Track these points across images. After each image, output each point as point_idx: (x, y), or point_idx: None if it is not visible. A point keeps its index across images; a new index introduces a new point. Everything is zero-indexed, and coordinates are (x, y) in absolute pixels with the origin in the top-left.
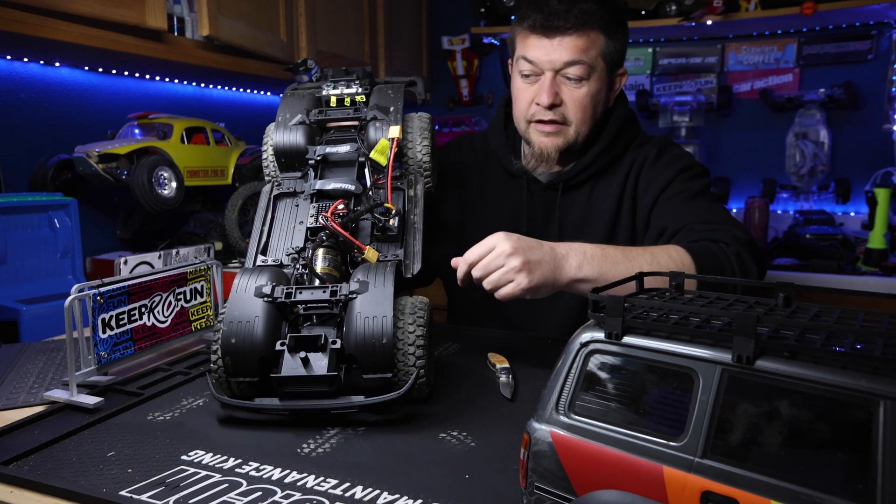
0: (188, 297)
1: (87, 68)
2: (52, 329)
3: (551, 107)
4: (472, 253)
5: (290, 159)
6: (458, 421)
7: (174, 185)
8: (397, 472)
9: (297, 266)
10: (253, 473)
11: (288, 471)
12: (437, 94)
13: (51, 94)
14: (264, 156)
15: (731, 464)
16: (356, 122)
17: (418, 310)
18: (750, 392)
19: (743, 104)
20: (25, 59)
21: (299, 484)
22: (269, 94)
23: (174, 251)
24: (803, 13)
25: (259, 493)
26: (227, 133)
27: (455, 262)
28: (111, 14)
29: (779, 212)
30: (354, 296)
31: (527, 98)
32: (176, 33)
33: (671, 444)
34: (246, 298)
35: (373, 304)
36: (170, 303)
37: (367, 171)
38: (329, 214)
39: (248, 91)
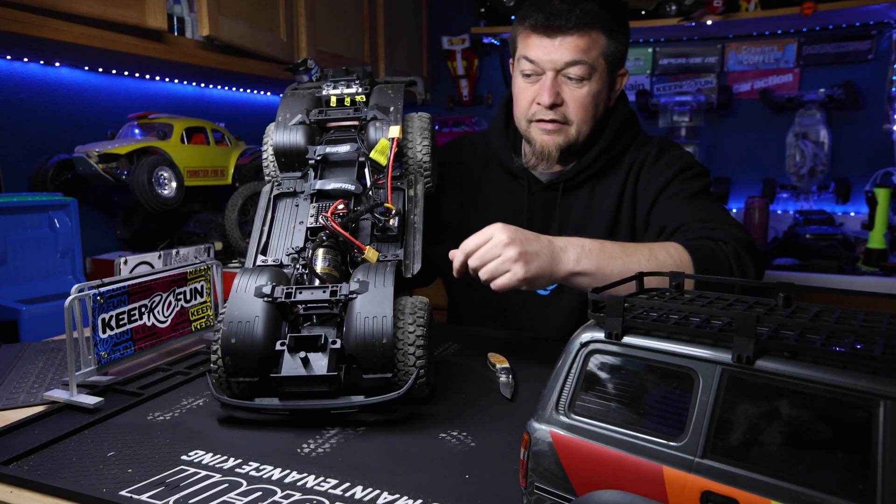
0: (188, 297)
1: (87, 68)
2: (52, 329)
3: (552, 106)
4: (469, 242)
5: (290, 159)
6: (458, 421)
7: (174, 185)
8: (397, 472)
9: (297, 266)
10: (253, 473)
11: (288, 471)
12: (437, 94)
13: (51, 94)
14: (264, 156)
15: (731, 464)
16: (356, 122)
17: (418, 310)
18: (750, 392)
19: (743, 104)
20: (25, 59)
21: (299, 484)
22: (269, 94)
23: (174, 251)
24: (803, 13)
25: (259, 493)
26: (227, 133)
27: (452, 253)
28: (111, 14)
29: (779, 212)
30: (354, 296)
31: (528, 98)
32: (176, 33)
33: (671, 444)
34: (246, 298)
35: (373, 304)
36: (170, 303)
37: (367, 171)
38: (329, 214)
39: (248, 91)
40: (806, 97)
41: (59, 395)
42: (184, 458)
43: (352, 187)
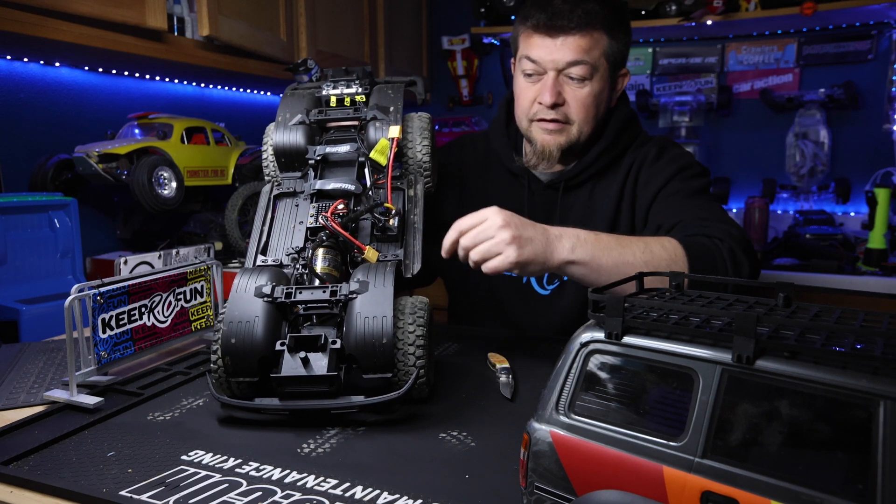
0: (188, 297)
1: (87, 68)
2: (52, 329)
3: (554, 106)
4: (464, 221)
5: (290, 159)
6: (458, 421)
7: (174, 185)
8: (397, 472)
9: (297, 266)
10: (253, 473)
11: (288, 471)
12: (437, 94)
13: (51, 94)
14: (264, 156)
15: (731, 464)
16: (356, 122)
17: (418, 310)
18: (750, 392)
19: (743, 104)
20: (25, 59)
21: (299, 484)
22: (269, 94)
23: (174, 251)
24: (803, 13)
25: (259, 493)
26: (227, 133)
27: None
28: (111, 14)
29: (779, 212)
30: (354, 296)
31: (529, 97)
32: (176, 33)
33: (671, 444)
34: (246, 298)
35: (373, 304)
36: (170, 303)
37: (366, 170)
38: (329, 214)
39: (248, 91)
40: (806, 97)
41: (59, 395)
42: (184, 458)
43: (352, 187)
